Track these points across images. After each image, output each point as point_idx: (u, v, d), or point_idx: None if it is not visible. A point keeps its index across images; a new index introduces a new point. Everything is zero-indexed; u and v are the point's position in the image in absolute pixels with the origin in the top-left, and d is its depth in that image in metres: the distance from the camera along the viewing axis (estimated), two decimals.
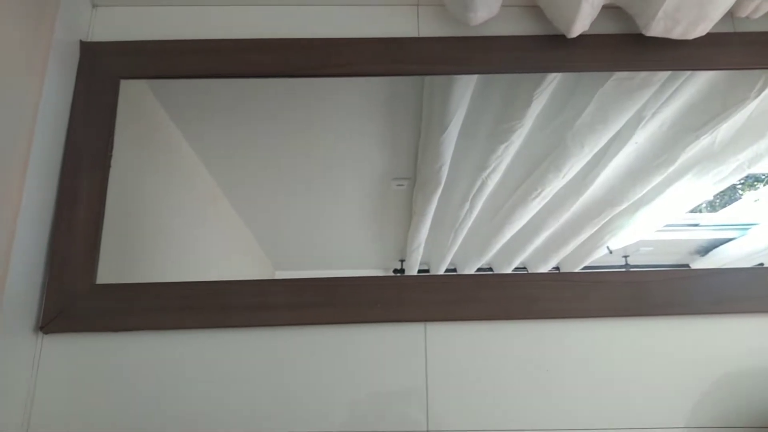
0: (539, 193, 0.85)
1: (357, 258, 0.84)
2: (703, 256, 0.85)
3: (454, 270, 0.82)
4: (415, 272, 0.82)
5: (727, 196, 0.89)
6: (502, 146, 0.84)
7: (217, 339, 0.73)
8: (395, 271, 0.81)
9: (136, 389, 0.72)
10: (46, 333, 0.71)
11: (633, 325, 0.75)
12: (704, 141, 0.85)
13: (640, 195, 0.86)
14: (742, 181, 0.88)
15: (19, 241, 0.67)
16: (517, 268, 0.83)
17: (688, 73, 0.85)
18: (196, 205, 0.85)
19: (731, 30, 0.87)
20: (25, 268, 0.69)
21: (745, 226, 0.88)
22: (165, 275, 0.77)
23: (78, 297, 0.72)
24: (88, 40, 0.84)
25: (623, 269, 0.82)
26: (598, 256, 0.84)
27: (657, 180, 0.86)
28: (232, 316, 0.73)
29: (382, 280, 0.77)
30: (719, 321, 0.76)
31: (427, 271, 0.82)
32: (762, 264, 0.80)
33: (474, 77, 0.84)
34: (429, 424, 0.71)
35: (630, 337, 0.75)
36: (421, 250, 0.83)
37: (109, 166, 0.78)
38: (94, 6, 0.86)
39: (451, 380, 0.73)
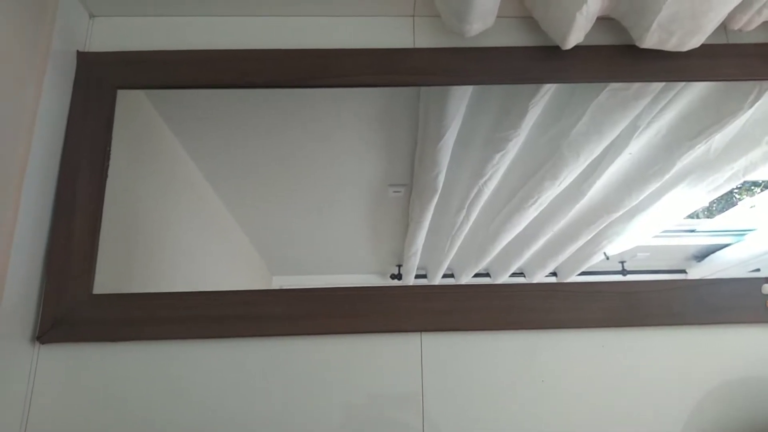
0: (536, 201, 0.85)
1: (354, 263, 0.85)
2: (699, 261, 0.86)
3: (452, 275, 0.83)
4: (412, 277, 0.82)
5: (723, 202, 0.89)
6: (499, 155, 0.84)
7: (215, 349, 0.74)
8: (392, 276, 0.82)
9: (132, 399, 0.72)
10: (42, 343, 0.71)
11: (628, 335, 0.76)
12: (699, 150, 0.86)
13: (636, 202, 0.87)
14: (739, 186, 0.89)
15: (16, 251, 0.68)
16: (514, 274, 0.84)
17: (683, 84, 0.85)
18: (193, 214, 0.86)
19: (725, 42, 0.87)
20: (22, 278, 0.69)
21: (741, 232, 0.88)
22: (163, 285, 0.77)
23: (75, 307, 0.72)
24: (86, 50, 0.84)
25: (620, 275, 0.82)
26: (595, 262, 0.85)
27: (653, 188, 0.86)
28: (229, 326, 0.73)
29: (378, 290, 0.77)
30: (714, 331, 0.76)
31: (425, 276, 0.82)
32: (758, 270, 0.80)
33: (470, 87, 0.84)
34: None
35: (625, 348, 0.75)
36: (418, 255, 0.84)
37: (106, 176, 0.78)
38: (92, 16, 0.86)
39: (447, 390, 0.73)
